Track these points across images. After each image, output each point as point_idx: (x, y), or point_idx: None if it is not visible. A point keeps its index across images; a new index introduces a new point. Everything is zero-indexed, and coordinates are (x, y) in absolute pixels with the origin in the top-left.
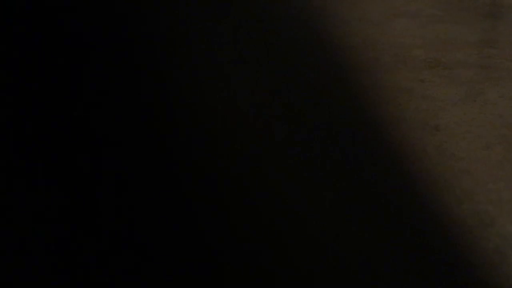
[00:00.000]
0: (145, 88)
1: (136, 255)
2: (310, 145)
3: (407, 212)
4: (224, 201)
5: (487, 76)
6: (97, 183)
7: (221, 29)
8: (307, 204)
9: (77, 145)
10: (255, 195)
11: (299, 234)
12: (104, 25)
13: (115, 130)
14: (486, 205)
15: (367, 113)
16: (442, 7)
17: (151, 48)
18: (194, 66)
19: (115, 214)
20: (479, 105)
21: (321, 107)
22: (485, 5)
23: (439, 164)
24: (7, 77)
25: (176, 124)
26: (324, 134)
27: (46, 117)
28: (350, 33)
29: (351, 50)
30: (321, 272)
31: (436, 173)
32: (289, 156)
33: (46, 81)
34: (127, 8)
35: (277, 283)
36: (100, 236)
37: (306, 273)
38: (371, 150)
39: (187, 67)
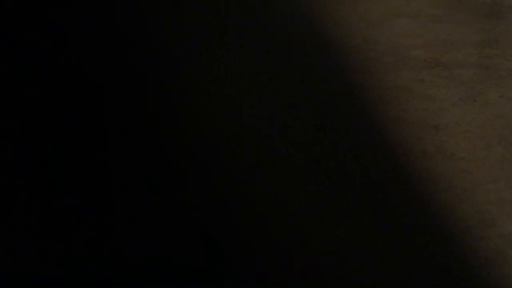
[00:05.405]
0: (150, 93)
1: (137, 255)
2: (308, 144)
3: (407, 211)
4: (226, 203)
5: (487, 76)
6: (102, 185)
7: (222, 32)
8: (305, 200)
9: (76, 149)
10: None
11: (296, 229)
12: (105, 25)
13: (117, 133)
14: (486, 205)
15: (367, 113)
16: (442, 7)
17: (154, 52)
18: (194, 67)
19: (117, 213)
20: (479, 105)
21: (320, 107)
22: (485, 5)
23: (439, 164)
24: (10, 76)
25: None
26: (323, 134)
27: (47, 115)
28: (350, 33)
29: (351, 50)
30: (318, 269)
31: (436, 173)
32: (287, 155)
33: (46, 81)
34: (127, 8)
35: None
36: (100, 236)
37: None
38: (371, 150)
39: (189, 70)
